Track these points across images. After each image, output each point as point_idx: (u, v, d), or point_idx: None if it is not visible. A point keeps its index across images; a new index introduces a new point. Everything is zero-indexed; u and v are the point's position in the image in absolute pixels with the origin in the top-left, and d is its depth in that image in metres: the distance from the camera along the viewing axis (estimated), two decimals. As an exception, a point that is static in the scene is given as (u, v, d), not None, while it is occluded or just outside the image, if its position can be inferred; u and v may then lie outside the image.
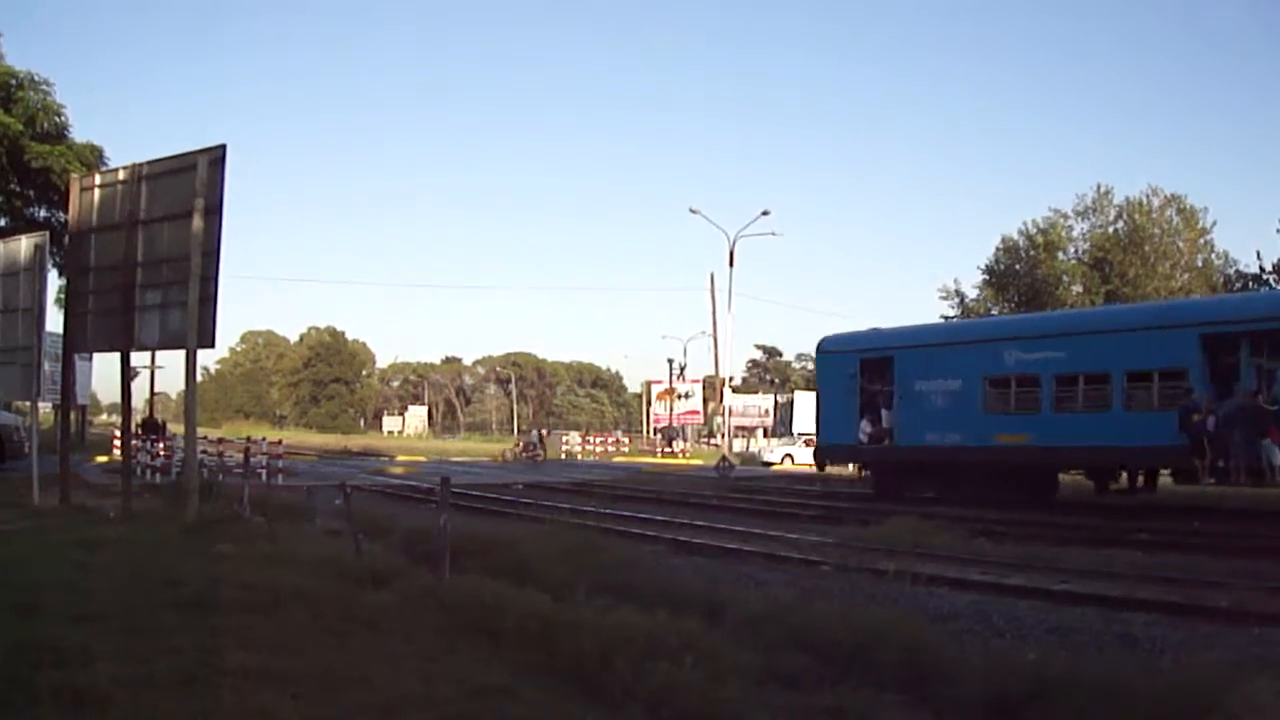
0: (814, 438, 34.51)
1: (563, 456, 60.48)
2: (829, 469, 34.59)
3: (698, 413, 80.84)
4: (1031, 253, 56.54)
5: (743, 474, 41.65)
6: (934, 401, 28.13)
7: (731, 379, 72.67)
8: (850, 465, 34.60)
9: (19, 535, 14.09)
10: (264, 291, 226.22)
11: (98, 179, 19.68)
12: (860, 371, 30.18)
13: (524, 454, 56.20)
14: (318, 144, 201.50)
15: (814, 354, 35.10)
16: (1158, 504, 24.67)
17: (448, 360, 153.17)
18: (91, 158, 32.80)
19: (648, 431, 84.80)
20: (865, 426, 30.00)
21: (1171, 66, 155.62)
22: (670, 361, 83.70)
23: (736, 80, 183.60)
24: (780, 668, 7.17)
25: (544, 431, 67.73)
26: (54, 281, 25.43)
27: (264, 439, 33.45)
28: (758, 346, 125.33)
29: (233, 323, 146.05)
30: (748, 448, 70.87)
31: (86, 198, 19.16)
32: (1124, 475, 26.45)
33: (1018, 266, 57.42)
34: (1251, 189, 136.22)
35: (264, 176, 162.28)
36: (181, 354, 16.89)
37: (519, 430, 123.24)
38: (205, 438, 31.26)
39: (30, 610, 8.25)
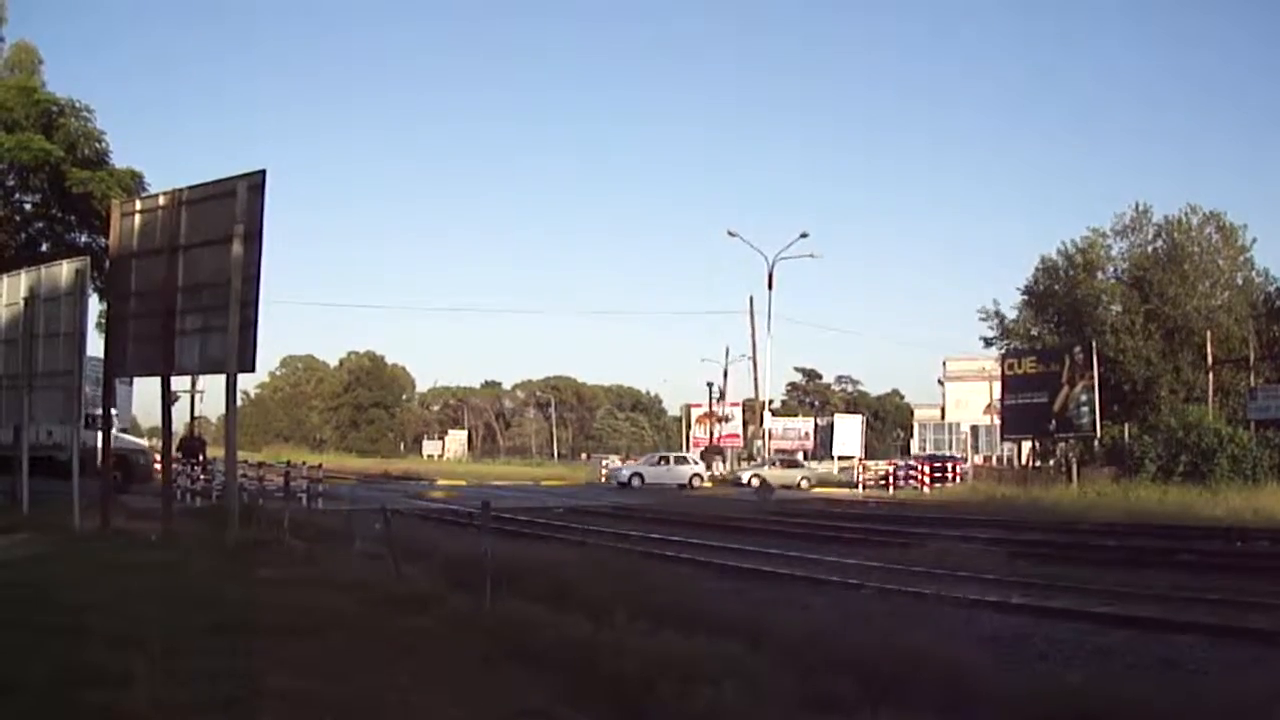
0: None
1: (602, 479, 60.20)
2: (868, 491, 34.24)
3: (738, 436, 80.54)
4: (1070, 273, 55.97)
5: (783, 497, 41.39)
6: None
7: (771, 402, 72.65)
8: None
9: (61, 559, 14.17)
10: (304, 316, 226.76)
11: (138, 205, 19.95)
12: None
13: None
14: (357, 169, 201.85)
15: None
16: (1198, 525, 24.40)
17: (487, 384, 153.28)
18: (131, 183, 32.99)
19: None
20: None
21: (1209, 83, 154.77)
22: (710, 385, 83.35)
23: (774, 103, 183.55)
24: (822, 692, 7.10)
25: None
26: (95, 306, 25.63)
27: (304, 463, 33.49)
28: (797, 369, 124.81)
29: (272, 347, 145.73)
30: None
31: (127, 223, 19.39)
32: None
33: (1057, 287, 56.90)
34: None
35: (303, 201, 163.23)
36: (222, 378, 17.04)
37: (558, 455, 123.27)
38: (245, 462, 31.39)
39: (72, 632, 8.30)
